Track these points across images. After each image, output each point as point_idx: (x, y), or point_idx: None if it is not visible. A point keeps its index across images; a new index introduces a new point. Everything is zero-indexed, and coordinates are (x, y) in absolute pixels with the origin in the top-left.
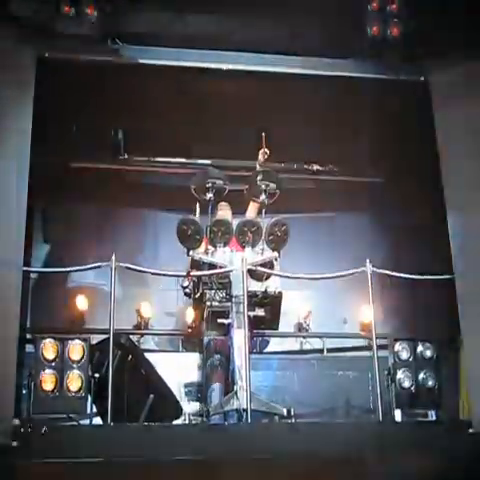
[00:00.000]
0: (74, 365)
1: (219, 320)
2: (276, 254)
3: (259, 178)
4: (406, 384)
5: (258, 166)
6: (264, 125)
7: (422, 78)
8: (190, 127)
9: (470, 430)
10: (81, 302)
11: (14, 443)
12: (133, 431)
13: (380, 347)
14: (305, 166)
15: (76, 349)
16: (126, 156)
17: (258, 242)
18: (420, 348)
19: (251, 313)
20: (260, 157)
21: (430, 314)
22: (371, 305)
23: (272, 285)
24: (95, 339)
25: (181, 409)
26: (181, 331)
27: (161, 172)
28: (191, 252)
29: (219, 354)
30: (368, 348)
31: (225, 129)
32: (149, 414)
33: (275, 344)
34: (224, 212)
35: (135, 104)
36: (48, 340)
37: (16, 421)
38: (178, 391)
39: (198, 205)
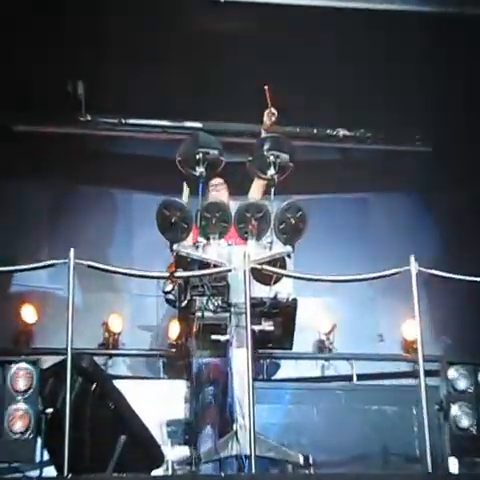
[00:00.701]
0: (19, 397)
1: (213, 336)
2: (289, 249)
3: (266, 147)
4: (464, 423)
5: (263, 131)
6: (272, 76)
7: None
8: (175, 78)
9: None
10: (28, 313)
11: None
12: None
13: (428, 373)
14: (328, 131)
15: (21, 376)
16: (89, 117)
17: (265, 233)
18: None
19: (256, 327)
20: (265, 119)
21: None
22: (417, 317)
23: (284, 290)
24: (47, 362)
25: (162, 455)
26: (162, 351)
27: (136, 139)
28: (176, 246)
29: (213, 384)
30: (412, 374)
31: (221, 81)
32: (120, 462)
33: (288, 369)
34: (220, 192)
35: (100, 46)
36: None
37: None
38: (159, 431)
39: (185, 184)
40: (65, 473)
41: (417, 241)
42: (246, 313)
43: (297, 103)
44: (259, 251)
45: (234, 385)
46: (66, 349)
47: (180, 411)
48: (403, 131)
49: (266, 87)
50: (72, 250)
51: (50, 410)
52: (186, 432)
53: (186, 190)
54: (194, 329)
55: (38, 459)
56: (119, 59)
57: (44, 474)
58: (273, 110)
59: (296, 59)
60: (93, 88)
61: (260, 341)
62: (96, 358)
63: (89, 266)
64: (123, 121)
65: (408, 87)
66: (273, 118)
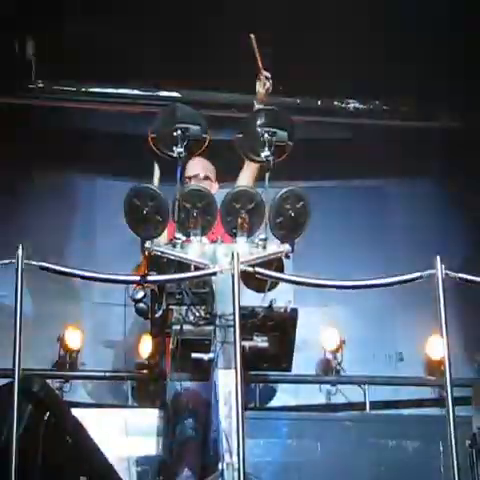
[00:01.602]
0: None
1: (194, 355)
2: (288, 247)
3: (260, 122)
4: None
5: (256, 102)
6: (269, 32)
7: None
8: (147, 35)
9: None
10: None
11: None
12: None
13: (459, 401)
14: (336, 103)
15: None
16: (40, 84)
17: (258, 228)
18: None
19: (247, 343)
20: (257, 86)
21: None
22: (443, 331)
23: (281, 298)
24: None
25: None
26: (130, 373)
27: (99, 111)
28: (148, 243)
29: (193, 413)
30: (438, 402)
31: (205, 39)
32: None
33: (286, 395)
34: (205, 181)
35: None
36: None
37: None
38: (126, 472)
39: (156, 167)
40: None
41: (444, 238)
42: (235, 326)
43: (297, 69)
44: (251, 250)
45: (220, 415)
46: (13, 370)
47: (152, 447)
48: (428, 103)
49: (252, 36)
50: (20, 248)
51: None
52: (160, 472)
53: (157, 172)
54: (170, 346)
55: None
56: (77, 11)
57: None
58: (266, 74)
59: (296, 14)
60: (45, 48)
61: (252, 360)
62: (50, 381)
63: (41, 268)
64: (83, 89)
65: (436, 52)
66: (267, 84)
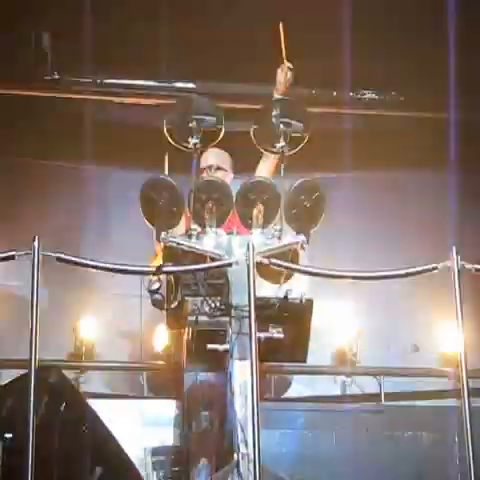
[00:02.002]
0: None
1: (210, 346)
2: (303, 238)
3: (275, 113)
4: None
5: (276, 93)
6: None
7: None
8: (163, 27)
9: None
10: None
11: None
12: None
13: (475, 393)
14: (351, 94)
15: None
16: (56, 76)
17: (273, 219)
18: None
19: (262, 334)
20: (280, 77)
21: None
22: (460, 323)
23: (296, 289)
24: (5, 377)
25: None
26: (146, 364)
27: (114, 103)
28: (164, 235)
29: (209, 404)
30: (455, 393)
31: (221, 31)
32: None
33: (301, 386)
34: (218, 171)
35: None
36: None
37: None
38: (142, 462)
39: (166, 158)
40: None
41: (460, 229)
42: (250, 317)
43: (313, 60)
44: (266, 241)
45: (235, 406)
46: (29, 361)
47: (168, 437)
48: (445, 95)
49: (281, 26)
50: (37, 239)
51: (9, 435)
52: (175, 463)
53: (166, 164)
54: (186, 337)
55: None
56: (93, 3)
57: None
58: (289, 64)
59: (311, 4)
60: (61, 40)
61: (267, 352)
62: (66, 372)
63: (58, 259)
64: (98, 81)
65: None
66: (289, 75)
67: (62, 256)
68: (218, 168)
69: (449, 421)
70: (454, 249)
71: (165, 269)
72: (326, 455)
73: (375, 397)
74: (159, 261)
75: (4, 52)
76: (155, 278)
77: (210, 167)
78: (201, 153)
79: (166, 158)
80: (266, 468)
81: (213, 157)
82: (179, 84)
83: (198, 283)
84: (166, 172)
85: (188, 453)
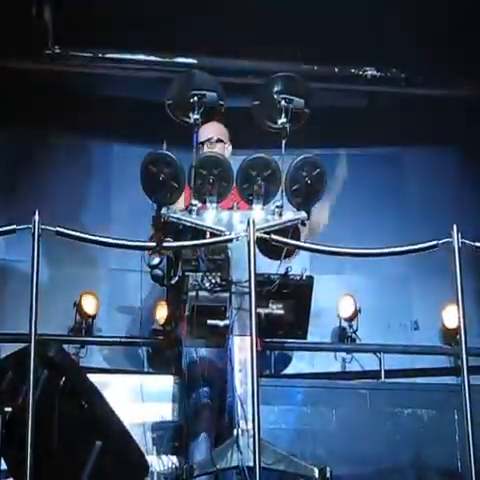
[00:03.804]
0: None
1: (210, 321)
2: (304, 215)
3: (276, 89)
4: None
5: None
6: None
7: None
8: (163, 1)
9: None
10: None
11: None
12: None
13: (474, 370)
14: (352, 70)
15: None
16: (57, 50)
17: (274, 195)
18: None
19: (262, 310)
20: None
21: None
22: (460, 300)
23: (297, 265)
24: (5, 350)
25: (146, 466)
26: (146, 339)
27: (116, 77)
28: (164, 210)
29: (209, 380)
30: (454, 371)
31: (221, 5)
32: (94, 473)
33: (301, 362)
34: (218, 143)
35: None
36: None
37: None
38: (142, 437)
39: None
40: None
41: (461, 207)
42: (250, 293)
43: (314, 36)
44: (267, 217)
45: (235, 382)
46: (29, 335)
47: (168, 413)
48: (446, 71)
49: None
50: (37, 213)
51: (8, 409)
52: (175, 438)
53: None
54: (186, 312)
55: None
56: None
57: None
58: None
59: None
60: (63, 13)
61: (267, 328)
62: (66, 346)
63: (58, 233)
64: (100, 55)
65: (453, 15)
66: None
67: (62, 230)
68: (218, 140)
69: (449, 398)
70: (455, 227)
71: (165, 244)
72: (325, 432)
73: (375, 374)
74: (159, 236)
75: (4, 26)
76: (155, 253)
77: (210, 140)
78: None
79: (164, 144)
80: (265, 444)
81: (212, 130)
82: (180, 59)
83: (198, 259)
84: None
85: (188, 428)
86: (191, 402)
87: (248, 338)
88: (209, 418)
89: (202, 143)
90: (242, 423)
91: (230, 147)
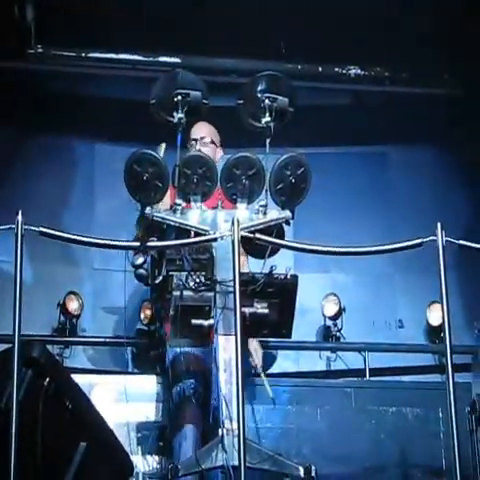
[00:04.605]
0: None
1: (194, 321)
2: (288, 214)
3: (260, 88)
4: None
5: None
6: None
7: None
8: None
9: None
10: None
11: None
12: None
13: (459, 368)
14: (337, 69)
15: None
16: (40, 49)
17: (259, 194)
18: None
19: (247, 310)
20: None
21: None
22: (444, 298)
23: (281, 264)
24: None
25: (131, 466)
26: (130, 339)
27: (99, 77)
28: (148, 209)
29: (193, 379)
30: (439, 369)
31: (204, 4)
32: (79, 474)
33: (286, 361)
34: (210, 144)
35: None
36: None
37: None
38: (126, 437)
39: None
40: None
41: (446, 205)
42: (235, 292)
43: (298, 35)
44: (251, 216)
45: (220, 381)
46: (12, 336)
47: (153, 412)
48: (429, 70)
49: None
50: (20, 213)
51: None
52: (160, 438)
53: (163, 147)
54: (170, 312)
55: None
56: None
57: None
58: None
59: None
60: (45, 13)
61: (252, 327)
62: (49, 347)
63: (41, 233)
64: (83, 55)
65: (436, 14)
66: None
67: (45, 230)
68: (211, 142)
69: (433, 396)
70: (439, 225)
71: (149, 244)
72: (311, 430)
73: (360, 372)
74: (143, 236)
75: None
76: (139, 253)
77: (203, 138)
78: (187, 127)
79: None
80: (250, 443)
81: (206, 130)
82: (164, 58)
83: (182, 258)
84: (162, 153)
85: (172, 427)
86: (175, 395)
87: (233, 338)
88: (194, 410)
89: (195, 140)
90: (227, 422)
91: (221, 152)
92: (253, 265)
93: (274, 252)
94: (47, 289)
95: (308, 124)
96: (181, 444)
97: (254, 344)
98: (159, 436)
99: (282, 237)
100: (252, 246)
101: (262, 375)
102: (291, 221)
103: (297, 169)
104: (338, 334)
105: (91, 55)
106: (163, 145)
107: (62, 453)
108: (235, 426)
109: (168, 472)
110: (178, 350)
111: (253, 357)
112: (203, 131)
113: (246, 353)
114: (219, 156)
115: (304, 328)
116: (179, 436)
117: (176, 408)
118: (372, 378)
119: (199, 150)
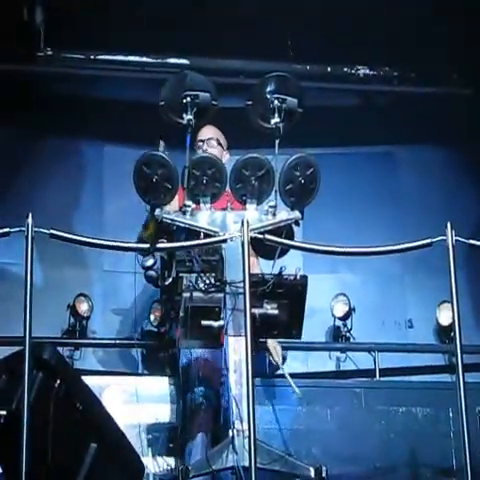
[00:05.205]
0: None
1: (204, 322)
2: (298, 214)
3: (269, 89)
4: None
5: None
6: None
7: None
8: (156, 2)
9: None
10: None
11: None
12: None
13: (469, 368)
14: (345, 69)
15: None
16: (49, 52)
17: (268, 195)
18: None
19: (257, 311)
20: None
21: None
22: (454, 298)
23: (291, 265)
24: None
25: (142, 468)
26: (141, 341)
27: (108, 79)
28: (158, 211)
29: (204, 381)
30: (449, 369)
31: (215, 7)
32: (90, 476)
33: (296, 362)
34: (218, 146)
35: None
36: None
37: None
38: (137, 438)
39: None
40: None
41: (455, 205)
42: (245, 293)
43: (307, 36)
44: (261, 217)
45: (230, 382)
46: (23, 338)
47: (163, 414)
48: (438, 69)
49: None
50: (30, 216)
51: (3, 413)
52: (171, 439)
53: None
54: (180, 313)
55: None
56: None
57: None
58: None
59: None
60: (55, 16)
61: (262, 328)
62: (60, 349)
63: (51, 235)
64: (92, 57)
65: (446, 14)
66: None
67: (56, 232)
68: (218, 143)
69: (444, 396)
70: (449, 224)
71: (159, 246)
72: (321, 431)
73: (370, 373)
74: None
75: None
76: (149, 254)
77: (210, 139)
78: (195, 129)
79: (161, 142)
80: (261, 444)
81: (214, 131)
82: (172, 60)
83: (192, 259)
84: (161, 147)
85: (184, 429)
86: (186, 402)
87: (243, 338)
88: (205, 418)
89: (202, 141)
90: (237, 423)
91: (228, 155)
92: (263, 266)
93: (284, 253)
94: (57, 291)
95: (317, 124)
96: (191, 451)
97: (272, 342)
98: (170, 437)
99: (292, 238)
100: (262, 247)
101: (286, 374)
102: (300, 222)
103: (306, 170)
104: (348, 334)
105: (100, 57)
106: (162, 143)
107: (73, 454)
108: (245, 427)
109: (179, 473)
110: (190, 355)
111: (273, 355)
112: (210, 132)
113: (265, 353)
114: (225, 159)
115: (314, 328)
116: (189, 443)
117: (187, 414)
118: (382, 378)
119: (206, 151)
